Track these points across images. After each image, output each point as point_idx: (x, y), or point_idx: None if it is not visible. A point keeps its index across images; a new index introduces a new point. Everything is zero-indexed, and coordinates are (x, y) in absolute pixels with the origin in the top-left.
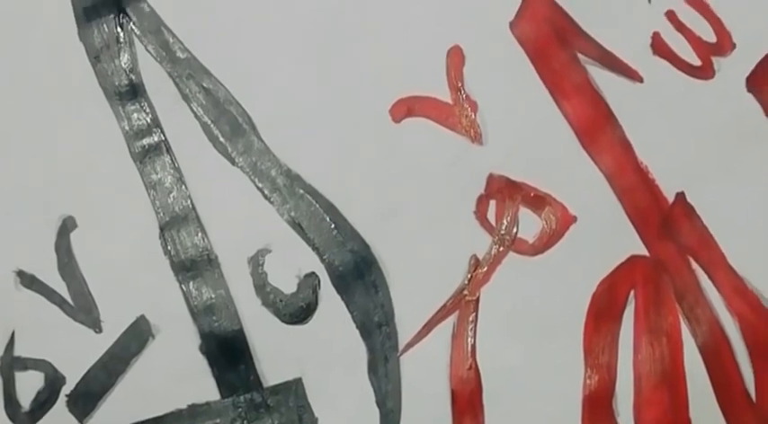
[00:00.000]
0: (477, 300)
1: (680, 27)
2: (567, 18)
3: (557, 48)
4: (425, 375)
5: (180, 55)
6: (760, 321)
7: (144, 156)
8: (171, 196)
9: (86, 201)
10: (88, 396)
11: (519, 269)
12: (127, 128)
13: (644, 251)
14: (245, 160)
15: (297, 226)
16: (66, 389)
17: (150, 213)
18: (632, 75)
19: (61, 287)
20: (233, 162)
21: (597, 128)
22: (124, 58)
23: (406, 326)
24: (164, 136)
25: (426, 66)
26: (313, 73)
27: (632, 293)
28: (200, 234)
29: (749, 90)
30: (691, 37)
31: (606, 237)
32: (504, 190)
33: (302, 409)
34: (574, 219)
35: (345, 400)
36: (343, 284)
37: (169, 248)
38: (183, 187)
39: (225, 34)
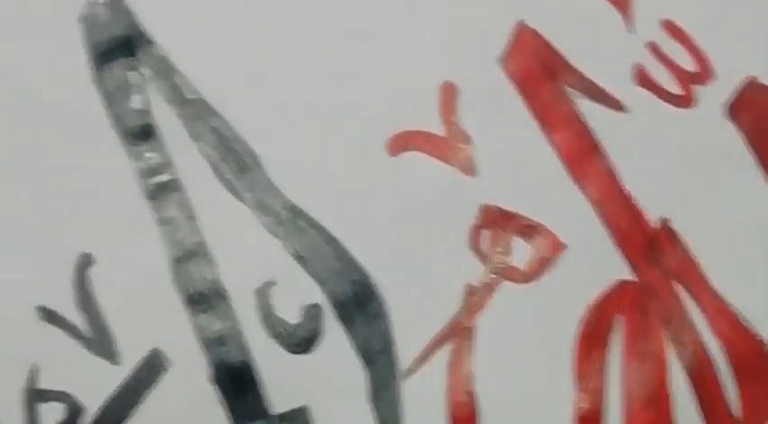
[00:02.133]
0: (473, 327)
1: (661, 57)
2: (553, 52)
3: (545, 81)
4: (425, 401)
5: (189, 96)
6: (742, 341)
7: (156, 194)
8: (181, 232)
9: (102, 238)
10: None
11: (512, 297)
12: (140, 167)
13: (631, 277)
14: (251, 196)
15: (300, 259)
16: (86, 420)
17: (162, 248)
18: (616, 106)
19: (80, 322)
20: (240, 197)
21: (584, 158)
22: (136, 101)
23: (406, 354)
24: (175, 174)
25: (420, 101)
26: (313, 111)
27: (620, 317)
28: (209, 268)
29: (730, 118)
30: (672, 66)
31: (595, 263)
32: (496, 220)
33: None
34: (564, 247)
35: None
36: (344, 314)
37: (181, 282)
38: (194, 223)
39: (230, 78)
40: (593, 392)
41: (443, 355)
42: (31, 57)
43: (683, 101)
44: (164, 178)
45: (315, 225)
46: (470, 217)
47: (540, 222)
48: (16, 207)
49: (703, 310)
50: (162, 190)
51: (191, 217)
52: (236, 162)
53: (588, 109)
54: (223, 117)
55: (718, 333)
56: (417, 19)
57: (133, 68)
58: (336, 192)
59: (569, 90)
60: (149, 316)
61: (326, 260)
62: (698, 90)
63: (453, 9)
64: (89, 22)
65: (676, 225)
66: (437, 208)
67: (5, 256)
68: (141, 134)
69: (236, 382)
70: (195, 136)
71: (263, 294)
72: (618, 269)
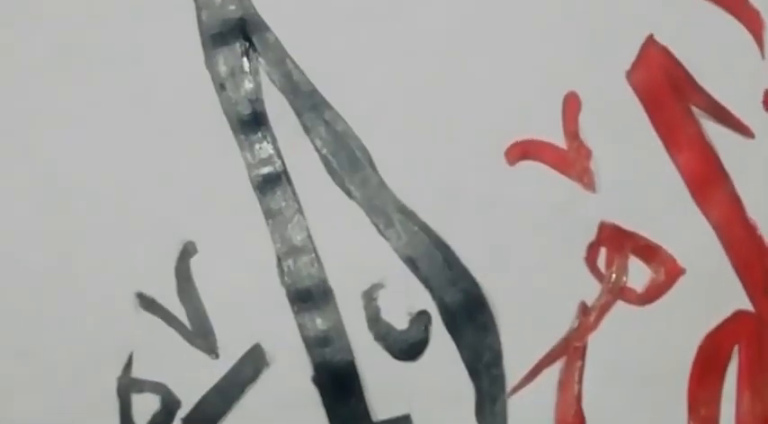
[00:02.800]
0: (585, 347)
1: None
2: (682, 69)
3: (671, 99)
4: (531, 419)
5: (303, 87)
6: None
7: (264, 186)
8: (289, 226)
9: (207, 227)
10: (203, 421)
11: (626, 318)
12: (249, 156)
13: (749, 307)
14: (362, 194)
15: (410, 263)
16: (182, 413)
17: (268, 242)
18: (744, 131)
19: (180, 312)
20: (350, 195)
21: (708, 182)
22: (249, 88)
23: (513, 369)
24: (284, 166)
25: (542, 111)
26: (431, 112)
27: (736, 348)
28: (316, 265)
29: None
30: None
31: (713, 291)
32: (614, 239)
33: None
34: (682, 271)
35: None
36: (453, 323)
37: (286, 278)
38: (302, 218)
39: (346, 68)
40: (705, 421)
41: (553, 373)
42: (142, 37)
43: None
44: (273, 169)
45: (426, 230)
46: (588, 234)
47: (660, 244)
48: (120, 190)
49: None
50: (270, 182)
51: (299, 212)
52: (348, 158)
53: (714, 131)
54: (337, 111)
55: None
56: (544, 25)
57: (247, 54)
58: (450, 197)
59: (696, 110)
60: (252, 311)
61: (437, 266)
62: None
63: (582, 17)
64: (203, 2)
65: None
66: (554, 222)
67: (107, 239)
68: (252, 123)
69: (338, 384)
70: (307, 129)
71: (370, 296)
72: (736, 299)
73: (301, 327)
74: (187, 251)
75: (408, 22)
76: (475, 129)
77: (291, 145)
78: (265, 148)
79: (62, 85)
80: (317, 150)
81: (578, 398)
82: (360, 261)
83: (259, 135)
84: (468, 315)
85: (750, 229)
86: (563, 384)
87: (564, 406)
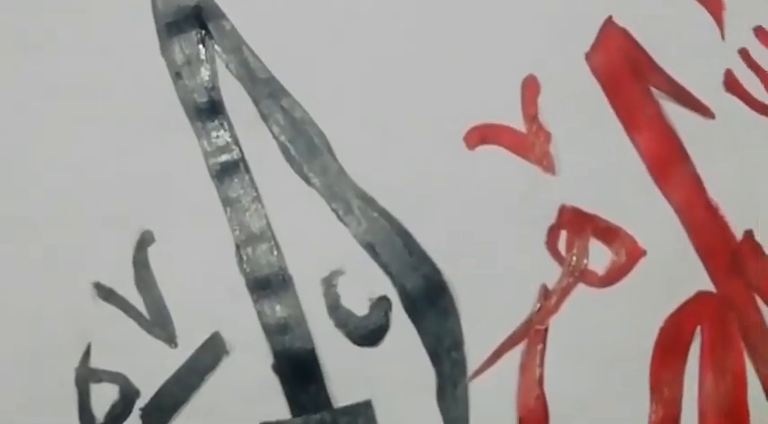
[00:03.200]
0: (546, 330)
1: (752, 65)
2: (641, 51)
3: (631, 80)
4: (493, 403)
5: (259, 74)
6: None
7: (222, 174)
8: (247, 214)
9: (164, 216)
10: (162, 411)
11: (588, 301)
12: (206, 145)
13: (711, 288)
14: (321, 181)
15: (370, 249)
16: (141, 403)
17: (226, 230)
18: (704, 111)
19: (138, 301)
20: (308, 182)
21: (669, 163)
22: (205, 76)
23: (474, 353)
24: (242, 154)
25: (501, 94)
26: (389, 97)
27: (698, 329)
28: (275, 253)
29: None
30: (763, 75)
31: (674, 272)
32: (575, 221)
33: None
34: (643, 253)
35: None
36: (414, 308)
37: (245, 266)
38: (260, 205)
39: (304, 55)
40: (668, 402)
41: (514, 357)
42: (96, 24)
43: None
44: (230, 157)
45: (386, 216)
46: (549, 217)
47: (620, 226)
48: (77, 179)
49: None
50: (228, 170)
51: (257, 200)
52: (307, 145)
53: (675, 112)
54: (294, 98)
55: None
56: (503, 7)
57: (203, 41)
58: (409, 183)
59: (655, 91)
60: (211, 299)
61: (397, 252)
62: None
63: (540, 0)
64: None
65: (760, 238)
66: (515, 205)
67: (64, 228)
68: (209, 111)
69: (299, 371)
70: (264, 116)
71: (329, 283)
72: (698, 280)
73: (261, 315)
74: (145, 240)
75: (366, 7)
76: (434, 114)
77: (249, 133)
78: (222, 136)
79: (16, 73)
80: (275, 137)
81: (540, 381)
82: (319, 248)
83: (216, 123)
84: (429, 300)
85: (712, 210)
86: (524, 368)
87: (526, 389)
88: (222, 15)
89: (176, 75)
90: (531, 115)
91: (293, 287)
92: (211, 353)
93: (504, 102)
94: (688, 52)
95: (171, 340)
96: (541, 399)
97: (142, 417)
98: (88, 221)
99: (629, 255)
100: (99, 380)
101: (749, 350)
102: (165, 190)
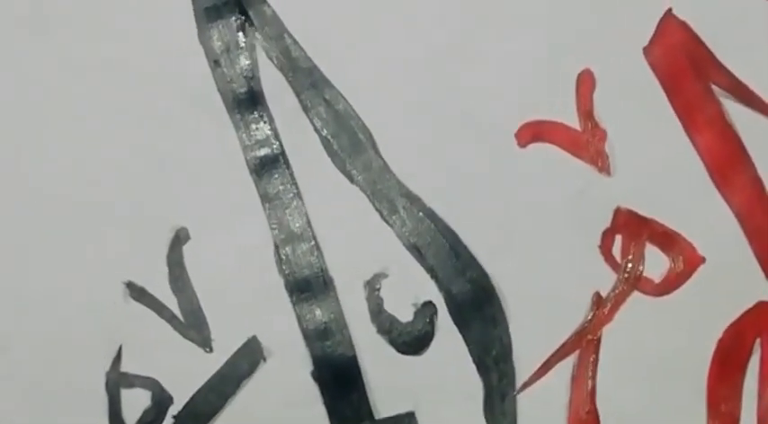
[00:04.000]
0: (599, 340)
1: None
2: (702, 46)
3: (691, 77)
4: (543, 417)
5: (301, 64)
6: None
7: (261, 169)
8: (287, 212)
9: (200, 212)
10: (196, 418)
11: (643, 310)
12: (245, 137)
13: None
14: (364, 178)
15: (415, 251)
16: (174, 409)
17: (265, 228)
18: (766, 111)
19: (171, 302)
20: (352, 179)
21: (729, 165)
22: (245, 64)
23: (523, 363)
24: (282, 148)
25: (555, 89)
26: (437, 91)
27: (758, 341)
28: (315, 254)
29: None
30: None
31: (734, 281)
32: (630, 225)
33: None
34: (702, 260)
35: None
36: (460, 315)
37: (284, 267)
38: (300, 203)
39: (349, 46)
40: (726, 417)
41: (565, 368)
42: (132, 10)
43: None
44: (270, 151)
45: (432, 216)
46: (603, 220)
47: (678, 231)
48: (109, 174)
49: None
50: (267, 165)
51: (297, 196)
52: (350, 140)
53: (736, 112)
54: (338, 89)
55: None
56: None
57: (242, 28)
58: (457, 181)
59: (716, 89)
60: (248, 301)
61: (443, 255)
62: None
63: None
64: None
65: None
66: (567, 207)
67: (95, 225)
68: (248, 101)
69: (339, 380)
70: (306, 108)
71: (372, 286)
72: (759, 289)
73: (300, 319)
74: (179, 238)
75: None
76: (484, 109)
77: (290, 126)
78: (262, 129)
79: (46, 60)
80: (317, 131)
81: (592, 394)
82: (362, 250)
83: (255, 114)
84: (476, 307)
85: None
86: (576, 380)
87: (577, 402)
88: (263, 1)
89: (214, 64)
90: (586, 112)
91: (334, 290)
92: (248, 358)
93: (557, 98)
94: (751, 48)
95: (206, 343)
96: (593, 413)
97: None
98: (120, 217)
99: (687, 262)
100: (130, 385)
101: None
102: (202, 185)
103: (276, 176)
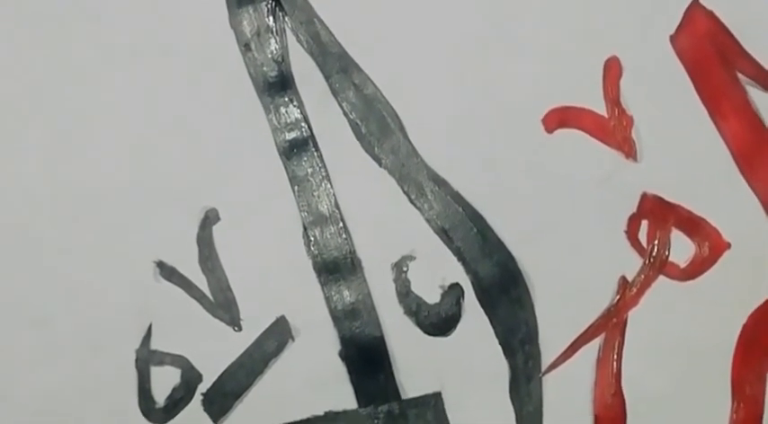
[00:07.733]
0: (625, 323)
1: None
2: (728, 34)
3: (717, 65)
4: (568, 399)
5: (331, 48)
6: None
7: (290, 151)
8: (316, 194)
9: (230, 194)
10: (225, 396)
11: (669, 294)
12: (274, 120)
13: None
14: (393, 161)
15: (443, 234)
16: (203, 387)
17: (294, 210)
18: None
19: (201, 281)
20: (380, 162)
21: (755, 152)
22: (275, 48)
23: (549, 346)
24: (311, 131)
25: (582, 76)
26: (465, 76)
27: None
28: (344, 236)
29: None
30: None
31: (759, 266)
32: (657, 211)
33: None
34: (728, 246)
35: (485, 418)
36: (487, 297)
37: (312, 248)
38: (329, 185)
39: (378, 31)
40: (751, 400)
41: (591, 351)
42: None
43: None
44: (299, 134)
45: (459, 200)
46: (629, 205)
47: (704, 217)
48: (140, 154)
49: None
50: (297, 147)
51: (326, 179)
52: (378, 123)
53: (762, 100)
54: (366, 73)
55: None
56: None
57: (273, 13)
58: (485, 166)
59: (742, 77)
60: (277, 282)
61: (470, 238)
62: None
63: None
64: None
65: None
66: (594, 192)
67: (126, 205)
68: (278, 85)
69: (367, 359)
70: (335, 92)
71: (400, 268)
72: None
73: (328, 300)
74: (209, 219)
75: None
76: (511, 95)
77: (319, 109)
78: (291, 112)
79: (78, 44)
80: (346, 114)
81: (617, 377)
82: (390, 232)
83: (285, 98)
84: (503, 289)
85: None
86: (601, 362)
87: (602, 385)
88: None
89: (245, 47)
90: (612, 98)
91: (362, 272)
92: (276, 338)
93: (585, 84)
94: None
95: (235, 322)
96: (619, 395)
97: (204, 402)
98: (151, 197)
99: (713, 248)
100: (160, 363)
101: None
102: (232, 167)
103: (305, 159)
